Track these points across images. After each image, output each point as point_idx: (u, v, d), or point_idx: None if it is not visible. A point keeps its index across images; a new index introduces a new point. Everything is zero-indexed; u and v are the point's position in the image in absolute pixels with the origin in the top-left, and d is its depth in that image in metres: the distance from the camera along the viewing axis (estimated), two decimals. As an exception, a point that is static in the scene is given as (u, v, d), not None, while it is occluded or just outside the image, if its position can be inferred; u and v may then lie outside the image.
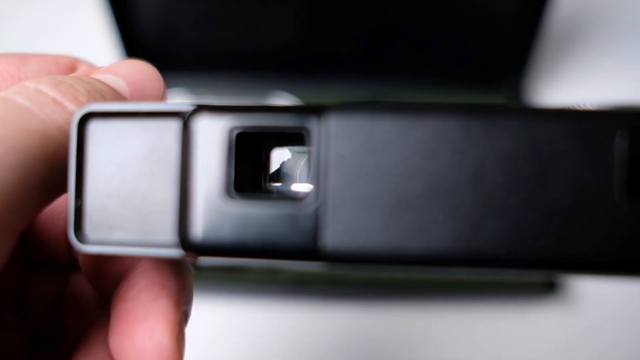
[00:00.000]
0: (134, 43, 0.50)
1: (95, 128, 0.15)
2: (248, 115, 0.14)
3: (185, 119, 0.15)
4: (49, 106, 0.15)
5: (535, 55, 0.50)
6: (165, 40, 0.51)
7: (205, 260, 0.15)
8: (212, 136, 0.14)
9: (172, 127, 0.15)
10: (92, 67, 0.20)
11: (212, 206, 0.14)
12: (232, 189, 0.14)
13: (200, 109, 0.15)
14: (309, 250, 0.14)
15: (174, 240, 0.15)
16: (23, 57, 0.19)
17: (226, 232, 0.14)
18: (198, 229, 0.14)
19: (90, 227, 0.15)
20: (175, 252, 0.15)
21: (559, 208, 0.13)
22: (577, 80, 0.54)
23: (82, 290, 0.21)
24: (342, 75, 0.52)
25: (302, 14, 0.49)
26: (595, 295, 0.44)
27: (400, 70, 0.52)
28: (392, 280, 0.44)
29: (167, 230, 0.15)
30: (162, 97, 0.18)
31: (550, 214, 0.13)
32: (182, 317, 0.17)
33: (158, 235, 0.15)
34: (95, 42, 0.54)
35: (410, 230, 0.13)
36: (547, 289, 0.44)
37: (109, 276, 0.19)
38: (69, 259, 0.21)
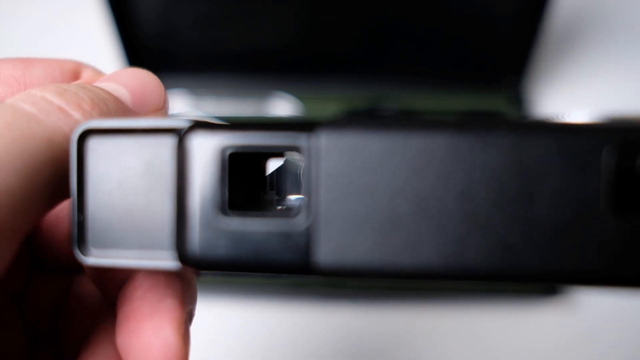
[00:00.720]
0: (134, 43, 0.50)
1: (94, 144, 0.15)
2: (241, 135, 0.14)
3: (180, 135, 0.15)
4: (55, 114, 0.16)
5: (535, 55, 0.50)
6: (165, 40, 0.51)
7: (203, 272, 0.15)
8: (206, 155, 0.15)
9: (168, 143, 0.15)
10: (96, 72, 0.20)
11: (207, 223, 0.15)
12: (227, 207, 0.15)
13: (195, 126, 0.15)
14: (302, 265, 0.14)
15: (172, 255, 0.15)
16: (28, 62, 0.19)
17: (221, 249, 0.14)
18: (195, 244, 0.15)
19: (92, 240, 0.16)
20: (174, 265, 0.15)
21: (545, 224, 0.13)
22: (577, 80, 0.54)
23: (86, 291, 0.21)
24: (342, 75, 0.52)
25: (302, 14, 0.49)
26: (595, 296, 0.44)
27: (400, 70, 0.52)
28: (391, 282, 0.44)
29: (165, 245, 0.15)
30: (163, 105, 0.19)
31: (537, 229, 0.13)
32: (187, 316, 0.18)
33: (157, 250, 0.15)
34: (95, 42, 0.54)
35: (400, 247, 0.14)
36: (547, 291, 0.44)
37: (114, 278, 0.19)
38: (73, 261, 0.20)
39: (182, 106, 0.51)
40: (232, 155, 0.15)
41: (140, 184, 0.15)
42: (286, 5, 0.48)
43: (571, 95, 0.53)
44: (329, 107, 0.51)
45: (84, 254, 0.16)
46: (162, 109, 0.19)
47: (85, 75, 0.20)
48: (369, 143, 0.14)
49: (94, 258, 0.16)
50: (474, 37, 0.50)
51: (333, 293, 0.44)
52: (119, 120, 0.16)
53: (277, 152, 0.16)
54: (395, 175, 0.14)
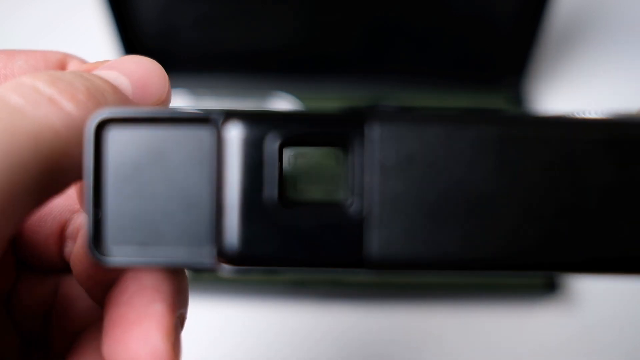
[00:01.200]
0: (134, 43, 0.50)
1: (113, 135, 0.14)
2: (289, 126, 0.14)
3: (219, 126, 0.14)
4: (45, 106, 0.14)
5: (535, 55, 0.50)
6: (165, 40, 0.51)
7: (240, 270, 0.14)
8: (252, 146, 0.14)
9: (202, 134, 0.14)
10: (83, 62, 0.19)
11: (253, 216, 0.14)
12: (276, 200, 0.14)
13: (233, 115, 0.14)
14: (355, 258, 0.14)
15: (207, 250, 0.14)
16: (10, 54, 0.18)
17: (268, 244, 0.14)
18: (239, 238, 0.14)
19: (112, 239, 0.15)
20: (210, 262, 0.14)
21: (592, 214, 0.14)
22: (577, 80, 0.54)
23: (74, 293, 0.20)
24: (342, 75, 0.52)
25: (302, 14, 0.49)
26: (595, 295, 0.44)
27: (400, 70, 0.52)
28: (392, 282, 0.44)
29: (198, 240, 0.14)
30: (167, 97, 0.18)
31: (584, 219, 0.14)
32: (178, 321, 0.17)
33: (188, 245, 0.14)
34: (95, 42, 0.54)
35: (454, 238, 0.14)
36: (547, 289, 0.44)
37: (101, 279, 0.18)
38: (60, 262, 0.20)
39: (182, 106, 0.51)
40: (280, 145, 0.14)
41: (166, 178, 0.14)
42: (286, 5, 0.48)
43: (571, 95, 0.53)
44: (329, 107, 0.51)
45: (102, 253, 0.15)
46: (164, 102, 0.18)
47: (72, 67, 0.19)
48: (423, 135, 0.14)
49: (114, 257, 0.15)
50: (474, 37, 0.50)
51: (336, 293, 0.44)
52: (142, 109, 0.15)
53: (325, 143, 0.15)
54: (448, 167, 0.14)
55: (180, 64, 0.53)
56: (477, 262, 0.14)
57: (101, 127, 0.14)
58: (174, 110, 0.15)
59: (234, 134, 0.14)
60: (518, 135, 0.14)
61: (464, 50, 0.51)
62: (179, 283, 0.17)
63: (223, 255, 0.14)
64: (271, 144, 0.14)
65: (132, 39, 0.50)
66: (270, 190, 0.14)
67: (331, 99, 0.51)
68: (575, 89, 0.53)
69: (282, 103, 0.51)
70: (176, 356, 0.16)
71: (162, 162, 0.14)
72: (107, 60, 0.18)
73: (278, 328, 0.44)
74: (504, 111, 0.13)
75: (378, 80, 0.52)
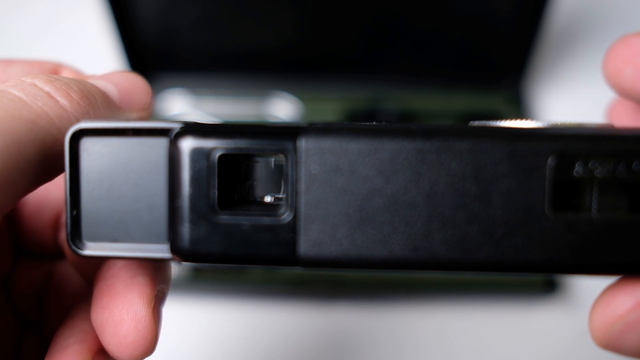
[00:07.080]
0: (134, 43, 0.50)
1: (86, 144, 0.16)
2: (230, 139, 0.16)
3: (171, 137, 0.16)
4: (42, 99, 0.16)
5: (535, 55, 0.50)
6: (165, 40, 0.51)
7: (192, 264, 0.15)
8: (196, 157, 0.15)
9: (160, 144, 0.16)
10: (76, 72, 0.21)
11: (198, 219, 0.16)
12: (216, 205, 0.15)
13: (185, 128, 0.16)
14: (287, 257, 0.16)
15: (164, 247, 0.16)
16: (7, 62, 0.20)
17: (212, 243, 0.16)
18: (186, 239, 0.16)
19: (86, 233, 0.17)
20: (165, 256, 0.16)
21: (498, 221, 0.15)
22: (577, 80, 0.54)
23: (67, 275, 0.22)
24: (342, 75, 0.52)
25: (302, 14, 0.49)
26: (595, 295, 0.44)
27: (400, 70, 0.52)
28: (391, 281, 0.44)
29: (158, 237, 0.16)
30: (149, 106, 0.20)
31: (491, 226, 0.15)
32: (159, 293, 0.19)
33: (149, 241, 0.16)
34: (95, 42, 0.54)
35: (374, 240, 0.15)
36: (547, 288, 0.44)
37: (92, 260, 0.20)
38: (55, 248, 0.22)
39: (182, 106, 0.52)
40: (220, 157, 0.15)
41: (132, 180, 0.16)
42: (286, 5, 0.48)
43: (571, 94, 0.53)
44: (329, 107, 0.51)
45: (78, 247, 0.16)
46: (147, 109, 0.20)
47: (64, 74, 0.21)
48: (346, 148, 0.15)
49: (89, 250, 0.16)
50: (474, 36, 0.50)
51: (334, 293, 0.44)
52: (110, 122, 0.16)
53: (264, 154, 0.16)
54: (370, 177, 0.15)
55: (180, 64, 0.53)
56: (392, 263, 0.15)
57: (76, 137, 0.16)
58: (137, 123, 0.16)
59: (183, 146, 0.16)
60: (430, 148, 0.15)
61: (464, 51, 0.51)
62: (160, 262, 0.19)
63: (176, 252, 0.16)
64: (212, 155, 0.15)
65: (132, 39, 0.50)
66: (212, 196, 0.15)
67: (331, 99, 0.51)
68: (575, 88, 0.53)
69: (283, 103, 0.51)
70: (156, 322, 0.18)
71: (128, 168, 0.16)
72: (96, 75, 0.20)
73: (276, 328, 0.44)
74: (419, 124, 0.14)
75: (378, 80, 0.52)
